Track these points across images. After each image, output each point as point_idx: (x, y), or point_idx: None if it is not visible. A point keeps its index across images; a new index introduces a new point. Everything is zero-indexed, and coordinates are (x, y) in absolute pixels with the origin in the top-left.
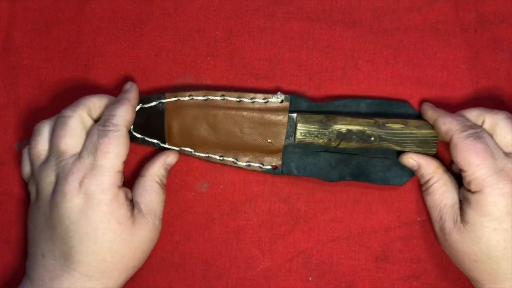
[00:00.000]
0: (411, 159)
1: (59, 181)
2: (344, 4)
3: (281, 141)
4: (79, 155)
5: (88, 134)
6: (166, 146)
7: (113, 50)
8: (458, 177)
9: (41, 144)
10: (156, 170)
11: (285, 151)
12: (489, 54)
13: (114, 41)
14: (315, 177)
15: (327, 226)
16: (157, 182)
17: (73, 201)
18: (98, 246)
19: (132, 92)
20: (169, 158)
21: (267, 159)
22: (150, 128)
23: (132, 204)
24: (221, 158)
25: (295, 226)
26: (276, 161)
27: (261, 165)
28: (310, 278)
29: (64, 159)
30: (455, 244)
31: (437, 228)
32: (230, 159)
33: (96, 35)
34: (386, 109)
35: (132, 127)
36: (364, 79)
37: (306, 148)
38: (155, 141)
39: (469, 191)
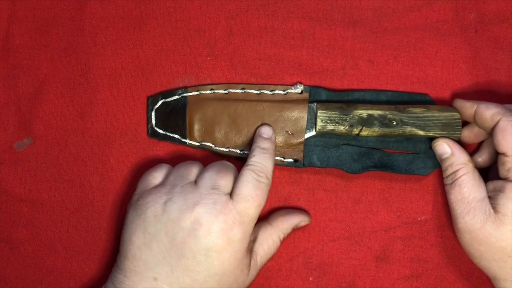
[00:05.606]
0: (446, 144)
1: (206, 216)
2: (344, 4)
3: (301, 132)
4: (230, 196)
5: (240, 177)
6: (187, 141)
7: (113, 50)
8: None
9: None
10: (287, 227)
11: (306, 144)
12: (490, 54)
13: (114, 41)
14: (339, 168)
15: (327, 226)
16: (280, 239)
17: (216, 241)
18: (219, 286)
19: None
20: (302, 222)
21: (288, 152)
22: (171, 123)
23: (251, 253)
24: (241, 153)
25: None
26: (297, 154)
27: (282, 159)
28: (310, 278)
29: (216, 195)
30: (489, 239)
31: (460, 225)
32: None
33: (96, 35)
34: (405, 101)
35: (154, 122)
36: (364, 79)
37: (327, 141)
38: (176, 136)
39: (506, 179)
